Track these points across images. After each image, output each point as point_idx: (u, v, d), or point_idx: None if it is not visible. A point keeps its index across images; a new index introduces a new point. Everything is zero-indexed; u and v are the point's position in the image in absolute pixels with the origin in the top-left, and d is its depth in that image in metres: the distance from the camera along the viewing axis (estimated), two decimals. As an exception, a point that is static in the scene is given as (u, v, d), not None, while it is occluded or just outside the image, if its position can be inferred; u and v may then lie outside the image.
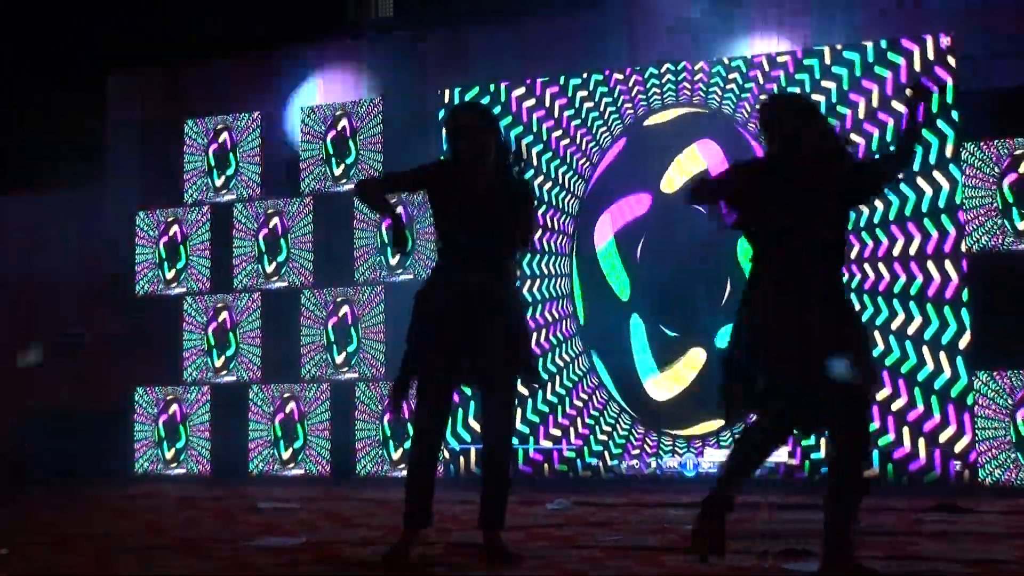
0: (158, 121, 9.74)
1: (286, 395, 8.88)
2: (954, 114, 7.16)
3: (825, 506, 3.73)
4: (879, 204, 7.25)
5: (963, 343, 7.00)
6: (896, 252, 7.21)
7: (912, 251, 7.18)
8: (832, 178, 3.82)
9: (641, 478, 7.67)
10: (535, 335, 8.08)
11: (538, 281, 8.16)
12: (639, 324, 7.93)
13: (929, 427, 7.04)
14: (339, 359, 8.76)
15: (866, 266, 7.27)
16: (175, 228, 9.46)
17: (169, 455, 9.22)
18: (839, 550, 3.69)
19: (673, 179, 7.89)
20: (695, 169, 7.77)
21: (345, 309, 8.78)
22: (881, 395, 7.12)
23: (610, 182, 8.12)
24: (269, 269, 9.10)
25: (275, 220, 9.11)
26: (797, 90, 7.55)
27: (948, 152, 7.15)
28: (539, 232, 4.54)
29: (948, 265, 7.09)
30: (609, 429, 7.87)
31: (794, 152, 3.84)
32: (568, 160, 8.19)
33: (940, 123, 7.19)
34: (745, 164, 4.21)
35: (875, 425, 7.10)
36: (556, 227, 8.16)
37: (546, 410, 8.05)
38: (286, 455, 8.82)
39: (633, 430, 7.79)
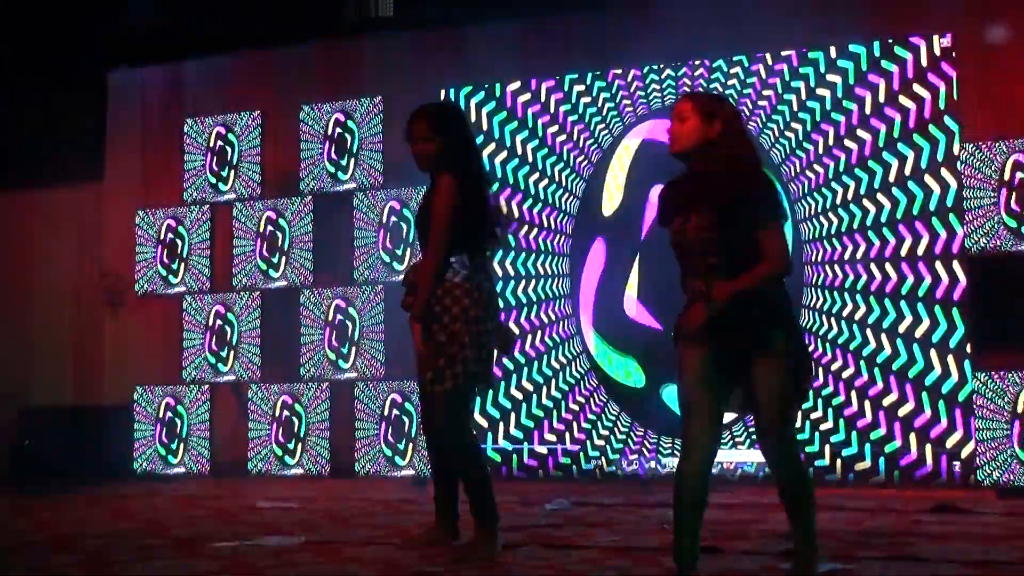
0: (158, 120, 9.74)
1: (283, 396, 8.88)
2: (948, 119, 7.16)
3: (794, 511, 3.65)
4: (886, 202, 7.24)
5: (964, 344, 6.99)
6: (903, 252, 7.19)
7: (918, 251, 7.16)
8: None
9: (640, 479, 7.66)
10: (529, 337, 8.08)
11: (533, 281, 8.15)
12: (673, 392, 7.51)
13: (927, 427, 7.02)
14: (346, 365, 8.74)
15: (872, 267, 7.26)
16: (167, 224, 9.46)
17: (168, 454, 9.22)
18: (814, 548, 3.66)
19: (612, 193, 7.90)
20: (628, 160, 7.83)
21: (338, 302, 8.77)
22: (887, 399, 7.11)
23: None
24: (276, 274, 9.08)
25: (267, 214, 9.11)
26: (801, 85, 7.55)
27: (956, 150, 7.13)
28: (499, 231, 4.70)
29: (955, 266, 7.06)
30: (607, 432, 7.86)
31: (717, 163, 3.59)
32: (566, 159, 8.18)
33: (947, 120, 7.17)
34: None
35: (881, 431, 7.09)
36: (553, 226, 8.16)
37: (541, 415, 8.04)
38: (292, 460, 8.80)
39: (632, 431, 7.78)
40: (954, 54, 7.20)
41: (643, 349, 7.77)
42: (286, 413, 8.87)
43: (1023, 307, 7.10)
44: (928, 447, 6.99)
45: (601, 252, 7.97)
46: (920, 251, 7.16)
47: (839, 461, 7.15)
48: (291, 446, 8.82)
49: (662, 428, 7.65)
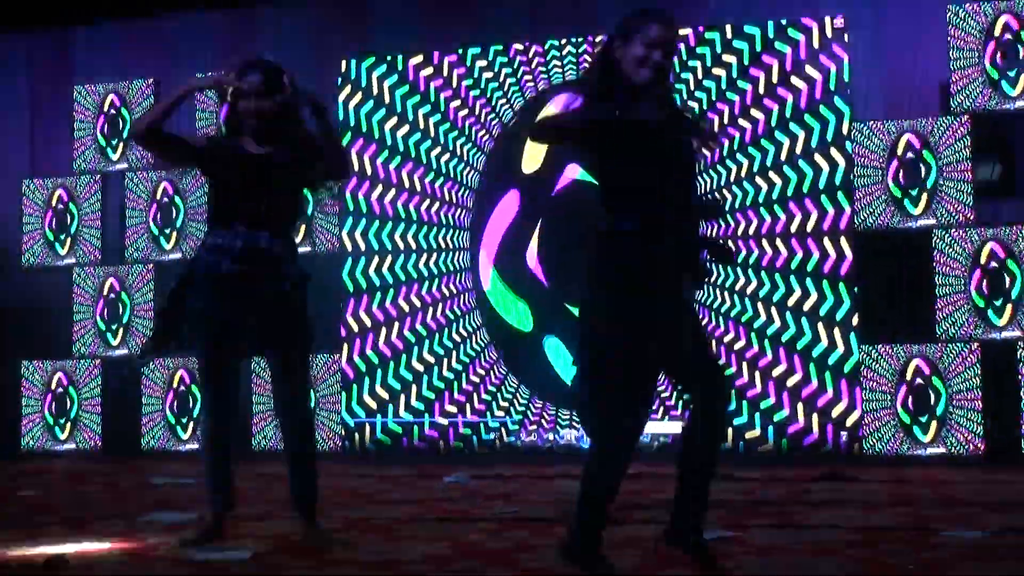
0: (46, 87, 9.44)
1: (179, 370, 8.71)
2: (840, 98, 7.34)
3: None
4: (777, 180, 7.40)
5: (852, 318, 7.19)
6: (793, 229, 7.36)
7: (808, 228, 7.34)
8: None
9: (538, 452, 7.73)
10: (430, 310, 8.08)
11: (435, 255, 8.14)
12: (556, 344, 7.73)
13: (816, 398, 7.23)
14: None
15: (764, 242, 7.42)
16: (59, 195, 9.17)
17: (58, 430, 8.99)
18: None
19: (533, 152, 7.92)
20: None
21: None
22: (776, 370, 7.30)
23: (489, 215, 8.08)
24: (168, 245, 8.88)
25: (163, 185, 8.90)
26: (698, 64, 7.65)
27: (844, 130, 7.31)
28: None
29: (842, 242, 7.26)
30: (506, 404, 7.90)
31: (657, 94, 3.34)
32: (467, 132, 8.16)
33: (837, 101, 7.34)
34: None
35: (770, 400, 7.29)
36: (455, 200, 8.15)
37: (442, 386, 8.05)
38: (185, 435, 8.64)
39: (531, 404, 7.84)
40: (846, 36, 7.36)
41: (538, 298, 7.84)
42: (183, 388, 8.72)
43: (908, 281, 7.33)
44: (815, 416, 7.21)
45: (515, 201, 7.96)
46: (809, 227, 7.33)
47: (730, 430, 7.33)
48: (185, 420, 8.67)
49: (537, 380, 7.75)
